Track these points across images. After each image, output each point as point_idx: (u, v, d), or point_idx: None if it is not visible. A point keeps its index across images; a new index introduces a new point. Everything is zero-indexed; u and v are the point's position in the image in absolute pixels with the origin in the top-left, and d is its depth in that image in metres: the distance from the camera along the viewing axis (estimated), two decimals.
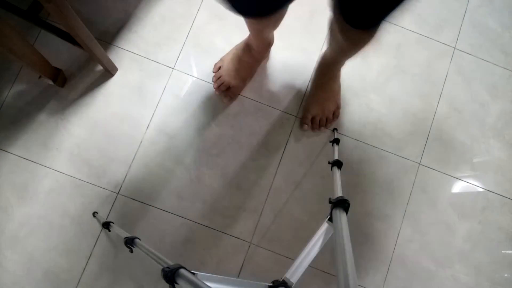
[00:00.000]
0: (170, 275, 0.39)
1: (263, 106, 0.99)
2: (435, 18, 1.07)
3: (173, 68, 0.99)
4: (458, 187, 1.00)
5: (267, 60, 1.01)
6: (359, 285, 0.93)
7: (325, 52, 0.95)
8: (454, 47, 1.06)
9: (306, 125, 0.97)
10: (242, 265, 0.91)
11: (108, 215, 0.92)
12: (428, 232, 0.96)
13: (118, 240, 0.90)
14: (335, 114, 0.98)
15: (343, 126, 1.00)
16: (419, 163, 1.00)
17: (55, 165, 0.93)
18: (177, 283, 0.39)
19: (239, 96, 0.99)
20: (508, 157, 1.01)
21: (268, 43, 0.97)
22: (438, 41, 1.06)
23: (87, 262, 0.89)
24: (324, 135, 0.99)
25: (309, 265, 0.45)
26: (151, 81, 0.98)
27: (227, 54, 0.99)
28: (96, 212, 0.91)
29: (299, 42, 1.03)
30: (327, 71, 0.95)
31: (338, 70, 0.96)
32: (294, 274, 0.44)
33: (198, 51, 1.01)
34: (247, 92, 1.00)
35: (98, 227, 0.91)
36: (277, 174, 0.96)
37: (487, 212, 0.99)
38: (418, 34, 1.06)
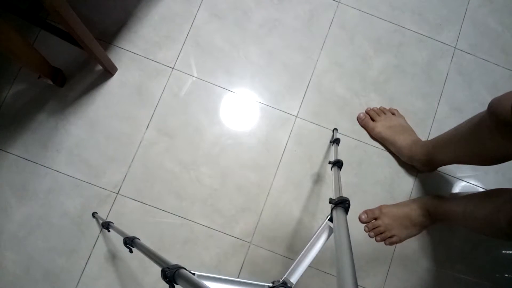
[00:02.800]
0: (170, 275, 0.39)
1: (263, 106, 0.99)
2: (435, 17, 1.07)
3: (172, 68, 0.99)
4: (459, 187, 0.99)
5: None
6: (359, 285, 0.93)
7: (457, 208, 0.82)
8: (455, 47, 1.06)
9: (364, 217, 0.94)
10: (242, 265, 0.91)
11: (107, 215, 0.92)
12: (427, 234, 0.96)
13: (117, 240, 0.90)
14: (391, 239, 0.93)
15: (344, 126, 1.00)
16: None
17: (55, 165, 0.92)
18: (176, 283, 0.39)
19: (237, 95, 0.99)
20: None
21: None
22: (438, 41, 1.06)
23: (87, 262, 0.89)
24: (325, 135, 0.99)
25: (309, 265, 0.45)
26: (150, 80, 0.98)
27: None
28: (96, 212, 0.90)
29: (299, 41, 1.03)
30: (438, 218, 0.88)
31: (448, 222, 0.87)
32: (294, 274, 0.44)
33: (198, 50, 1.01)
34: (247, 92, 1.00)
35: (98, 227, 0.91)
36: (277, 174, 0.96)
37: None
38: (418, 34, 1.06)
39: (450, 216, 0.83)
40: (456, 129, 0.76)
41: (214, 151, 0.96)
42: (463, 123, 0.74)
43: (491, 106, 0.59)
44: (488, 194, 0.74)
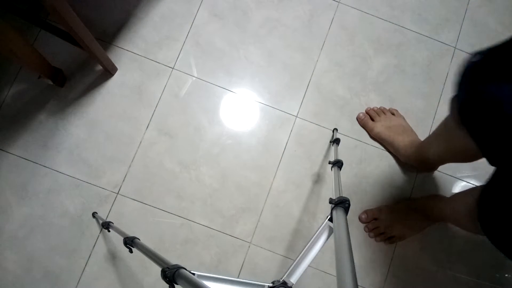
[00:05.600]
0: (170, 275, 0.39)
1: (263, 106, 0.99)
2: (435, 17, 1.07)
3: (172, 68, 0.99)
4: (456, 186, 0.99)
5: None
6: (359, 285, 0.93)
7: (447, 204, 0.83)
8: (455, 47, 1.06)
9: (364, 217, 0.94)
10: (242, 265, 0.91)
11: (107, 215, 0.92)
12: (427, 234, 0.96)
13: (117, 240, 0.90)
14: (391, 239, 0.92)
15: (343, 126, 1.00)
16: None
17: (55, 165, 0.92)
18: (176, 283, 0.39)
19: (237, 95, 0.99)
20: None
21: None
22: (438, 41, 1.06)
23: (87, 262, 0.89)
24: (325, 135, 0.99)
25: (309, 265, 0.44)
26: (150, 81, 0.98)
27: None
28: (96, 212, 0.90)
29: (299, 41, 1.03)
30: (436, 218, 0.88)
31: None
32: (294, 274, 0.44)
33: (198, 50, 1.01)
34: (247, 92, 1.00)
35: (98, 227, 0.91)
36: (277, 174, 0.96)
37: None
38: (418, 34, 1.06)
39: (443, 215, 0.83)
40: (436, 127, 0.76)
41: (214, 151, 0.96)
42: (442, 121, 0.74)
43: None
44: (471, 190, 0.74)
